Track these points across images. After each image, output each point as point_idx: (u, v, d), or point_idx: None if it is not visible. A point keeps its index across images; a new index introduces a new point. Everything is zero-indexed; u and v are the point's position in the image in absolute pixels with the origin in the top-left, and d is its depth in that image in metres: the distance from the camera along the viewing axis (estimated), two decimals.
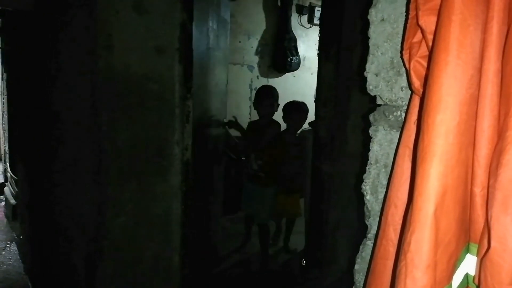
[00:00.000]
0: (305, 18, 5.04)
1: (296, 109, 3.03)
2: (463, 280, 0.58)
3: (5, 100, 4.41)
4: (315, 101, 2.27)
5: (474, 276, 0.57)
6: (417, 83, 0.62)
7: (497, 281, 0.50)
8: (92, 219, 1.81)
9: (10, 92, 3.98)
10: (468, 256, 0.58)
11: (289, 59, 4.77)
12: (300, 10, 4.95)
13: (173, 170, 1.93)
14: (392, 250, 0.66)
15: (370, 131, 0.85)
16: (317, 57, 2.28)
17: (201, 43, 2.19)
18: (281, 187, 3.04)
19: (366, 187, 0.87)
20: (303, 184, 2.99)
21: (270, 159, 2.91)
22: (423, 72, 0.61)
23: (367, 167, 0.86)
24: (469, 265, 0.58)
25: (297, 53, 4.85)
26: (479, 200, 0.56)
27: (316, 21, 4.90)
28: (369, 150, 0.86)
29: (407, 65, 0.65)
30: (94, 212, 1.80)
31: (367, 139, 0.87)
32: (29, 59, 2.76)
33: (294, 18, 4.89)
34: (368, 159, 0.87)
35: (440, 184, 0.51)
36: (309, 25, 5.08)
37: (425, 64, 0.61)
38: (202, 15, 2.19)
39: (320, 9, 3.92)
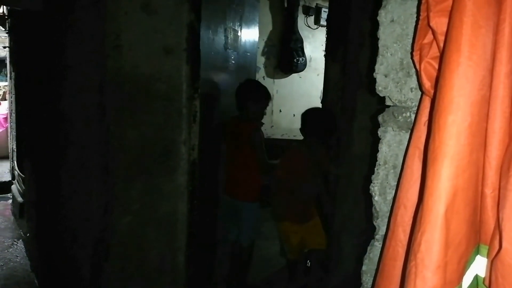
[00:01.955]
0: (311, 19, 5.04)
1: (327, 121, 2.30)
2: (472, 281, 0.58)
3: (13, 99, 4.46)
4: (321, 102, 2.27)
5: (484, 278, 0.57)
6: (427, 84, 0.62)
7: (508, 282, 0.50)
8: (99, 218, 1.82)
9: (18, 91, 4.02)
10: (478, 257, 0.58)
11: (295, 60, 4.77)
12: (307, 11, 4.96)
13: (180, 170, 1.93)
14: (401, 251, 0.66)
15: (379, 132, 0.84)
16: (323, 58, 2.29)
17: (215, 43, 2.18)
18: (297, 215, 2.40)
19: (375, 188, 0.87)
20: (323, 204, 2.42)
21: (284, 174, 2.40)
22: (434, 73, 0.61)
23: (375, 168, 0.86)
24: (479, 266, 0.58)
25: (303, 54, 4.85)
26: (490, 201, 0.56)
27: (323, 22, 4.90)
28: (377, 151, 0.86)
29: (417, 66, 0.65)
30: (101, 211, 1.81)
31: (376, 140, 0.87)
32: (37, 59, 2.79)
33: (301, 19, 4.89)
34: (376, 160, 0.87)
35: (451, 185, 0.51)
36: (315, 26, 5.08)
37: (436, 65, 0.61)
38: (217, 14, 2.17)
39: (327, 10, 3.91)
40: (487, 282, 0.56)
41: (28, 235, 3.40)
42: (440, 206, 0.51)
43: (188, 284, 2.06)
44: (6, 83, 5.87)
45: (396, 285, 0.67)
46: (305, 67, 4.93)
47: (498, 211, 0.54)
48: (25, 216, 3.65)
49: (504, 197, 0.52)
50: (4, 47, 4.73)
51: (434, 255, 0.51)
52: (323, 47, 2.37)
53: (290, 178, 2.35)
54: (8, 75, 4.95)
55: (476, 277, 0.59)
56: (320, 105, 2.35)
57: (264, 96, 2.51)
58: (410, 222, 0.65)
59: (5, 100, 6.31)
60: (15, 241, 3.58)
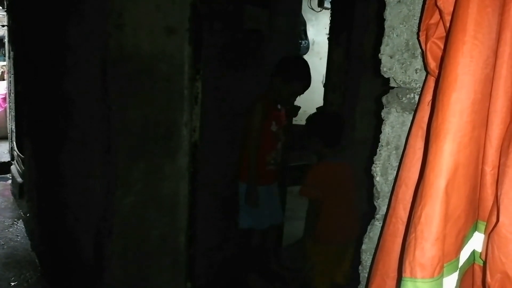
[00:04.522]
0: (315, 1, 4.97)
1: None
2: (470, 256, 0.60)
3: (12, 79, 4.43)
4: (324, 86, 2.27)
5: (481, 252, 0.59)
6: (432, 64, 0.63)
7: (503, 253, 0.52)
8: (101, 198, 1.84)
9: (17, 71, 3.99)
10: (476, 234, 0.60)
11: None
12: None
13: (181, 151, 1.95)
14: (402, 228, 0.68)
15: (382, 113, 0.85)
16: (326, 42, 2.27)
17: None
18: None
19: (376, 168, 0.88)
20: None
21: None
22: (439, 53, 0.62)
23: (378, 149, 0.87)
24: (476, 242, 0.60)
25: (306, 37, 4.80)
26: (489, 179, 0.57)
27: (327, 4, 4.85)
28: (380, 132, 0.87)
29: (423, 46, 0.66)
30: (103, 191, 1.82)
31: (379, 122, 0.88)
32: (37, 37, 2.76)
33: (304, 1, 4.83)
34: (379, 142, 0.88)
35: (452, 161, 0.53)
36: (319, 9, 5.02)
37: (442, 46, 0.62)
38: None
39: None
40: (483, 256, 0.58)
41: (28, 215, 3.43)
42: (441, 180, 0.52)
43: (189, 264, 2.09)
44: (5, 63, 5.82)
45: (395, 261, 0.69)
46: (307, 51, 4.89)
47: (497, 188, 0.55)
48: (24, 196, 3.67)
49: (503, 173, 0.53)
50: (3, 26, 4.68)
51: (434, 227, 0.52)
52: (327, 31, 2.35)
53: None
54: (7, 55, 4.91)
55: (473, 252, 0.61)
56: (322, 89, 2.34)
57: (298, 78, 2.07)
58: (411, 200, 0.67)
59: (4, 80, 6.27)
60: (15, 221, 3.61)
